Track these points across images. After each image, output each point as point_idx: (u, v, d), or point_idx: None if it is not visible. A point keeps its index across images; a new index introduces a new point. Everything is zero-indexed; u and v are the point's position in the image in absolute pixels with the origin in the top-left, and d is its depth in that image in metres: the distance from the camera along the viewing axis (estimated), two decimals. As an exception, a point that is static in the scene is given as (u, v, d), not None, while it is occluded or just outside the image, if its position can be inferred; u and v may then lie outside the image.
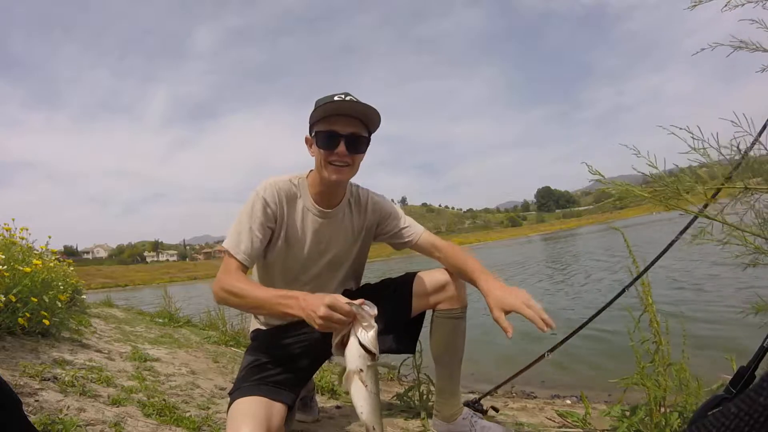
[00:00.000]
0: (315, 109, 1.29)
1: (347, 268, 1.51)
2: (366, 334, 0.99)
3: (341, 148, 1.26)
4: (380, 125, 1.34)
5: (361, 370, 0.99)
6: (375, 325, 1.00)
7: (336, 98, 1.25)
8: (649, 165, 0.99)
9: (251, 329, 1.54)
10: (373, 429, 1.03)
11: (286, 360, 1.37)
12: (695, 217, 1.06)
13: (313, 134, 1.32)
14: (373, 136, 1.35)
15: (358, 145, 1.29)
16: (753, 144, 0.93)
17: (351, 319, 1.01)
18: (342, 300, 1.01)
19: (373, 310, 1.01)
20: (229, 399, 1.27)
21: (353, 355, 1.00)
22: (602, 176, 1.05)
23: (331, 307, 1.00)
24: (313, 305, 1.03)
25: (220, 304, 1.31)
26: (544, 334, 1.18)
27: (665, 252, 1.39)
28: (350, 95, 1.28)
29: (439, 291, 1.45)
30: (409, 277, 1.49)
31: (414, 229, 1.50)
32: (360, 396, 1.00)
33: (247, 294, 1.20)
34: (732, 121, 0.89)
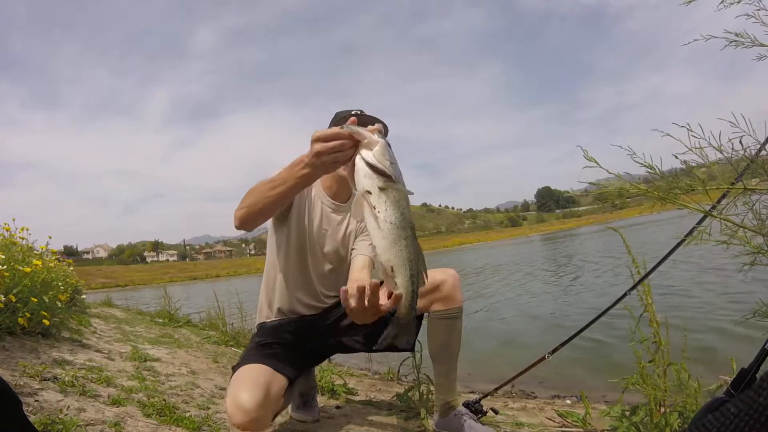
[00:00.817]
0: (335, 120, 1.51)
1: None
2: (368, 152, 0.83)
3: None
4: (388, 134, 1.54)
5: (369, 192, 0.82)
6: (380, 140, 0.84)
7: (353, 112, 1.48)
8: (646, 166, 0.99)
9: (257, 323, 1.61)
10: (391, 271, 0.83)
11: (290, 344, 1.46)
12: (704, 217, 1.06)
13: None
14: None
15: None
16: (760, 150, 0.93)
17: (351, 141, 0.87)
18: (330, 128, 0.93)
19: (374, 125, 0.87)
20: (232, 374, 1.33)
21: (359, 177, 0.83)
22: (597, 163, 1.05)
23: (320, 138, 0.91)
24: (308, 150, 0.96)
25: (244, 225, 1.24)
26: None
27: (671, 254, 1.39)
28: (363, 111, 1.50)
29: (432, 291, 1.50)
30: None
31: (364, 243, 1.48)
32: (371, 226, 0.83)
33: (259, 185, 1.18)
34: (730, 122, 0.89)
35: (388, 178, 0.81)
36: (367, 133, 0.84)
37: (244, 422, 1.16)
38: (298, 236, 1.49)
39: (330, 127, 1.47)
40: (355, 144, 0.86)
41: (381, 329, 1.51)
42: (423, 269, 0.86)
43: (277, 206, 1.21)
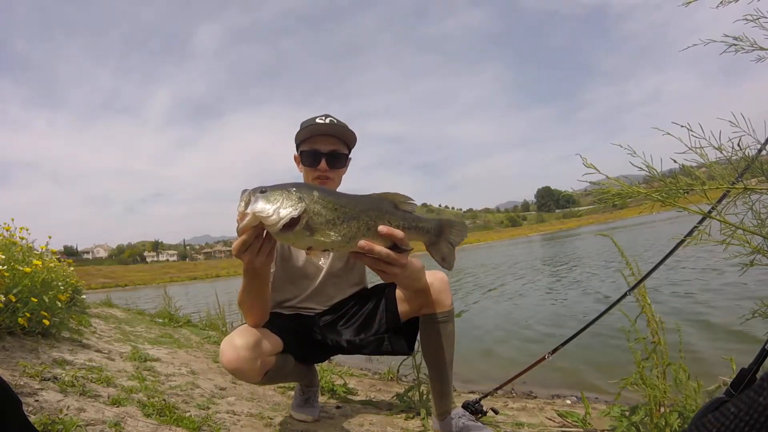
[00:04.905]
0: (300, 131, 1.47)
1: (349, 274, 1.65)
2: (268, 225, 0.83)
3: (323, 164, 1.45)
4: (357, 142, 1.52)
5: (310, 247, 0.86)
6: (257, 195, 0.84)
7: (318, 119, 1.44)
8: (646, 165, 0.99)
9: None
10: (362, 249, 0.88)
11: (289, 325, 1.52)
12: (703, 218, 1.05)
13: (299, 153, 1.50)
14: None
15: (337, 161, 1.48)
16: (760, 151, 0.93)
17: (256, 232, 0.90)
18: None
19: (244, 195, 0.85)
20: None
21: (292, 244, 0.90)
22: (596, 169, 1.05)
23: (236, 253, 0.95)
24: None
25: (263, 321, 1.39)
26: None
27: (670, 255, 1.39)
28: (330, 116, 1.46)
29: (418, 296, 1.47)
30: (395, 283, 1.54)
31: None
32: (336, 248, 0.89)
33: (241, 298, 1.30)
34: (730, 122, 0.89)
35: (295, 219, 0.82)
36: (243, 203, 0.84)
37: (231, 359, 1.26)
38: (289, 258, 1.59)
39: (297, 134, 1.50)
40: (259, 228, 0.89)
41: (379, 334, 1.53)
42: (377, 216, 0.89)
43: (263, 292, 1.29)
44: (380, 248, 0.89)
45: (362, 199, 0.91)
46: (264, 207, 0.82)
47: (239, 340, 1.28)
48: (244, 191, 0.85)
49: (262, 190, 0.84)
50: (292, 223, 0.82)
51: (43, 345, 2.20)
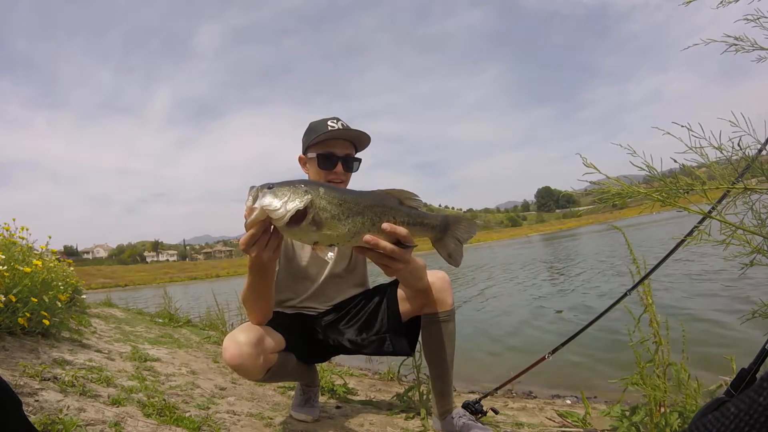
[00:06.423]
0: (316, 135, 1.47)
1: (351, 275, 1.67)
2: (274, 219, 0.85)
3: (339, 167, 1.48)
4: (369, 145, 1.56)
5: (316, 242, 0.88)
6: (264, 191, 0.86)
7: (330, 123, 1.47)
8: (647, 165, 0.99)
9: None
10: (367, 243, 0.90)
11: (291, 324, 1.54)
12: (704, 218, 1.05)
13: (311, 155, 1.50)
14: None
15: (351, 164, 1.53)
16: (760, 151, 0.93)
17: (263, 227, 0.92)
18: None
19: (252, 191, 0.87)
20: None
21: (298, 239, 0.92)
22: (597, 169, 1.05)
23: (244, 248, 0.96)
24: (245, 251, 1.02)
25: (267, 319, 1.41)
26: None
27: (671, 254, 1.38)
28: (341, 120, 1.49)
29: (420, 295, 1.48)
30: (396, 281, 1.55)
31: None
32: (341, 244, 0.91)
33: (245, 296, 1.32)
34: (730, 122, 0.89)
35: (302, 210, 0.84)
36: (250, 198, 0.86)
37: (234, 355, 1.26)
38: (292, 258, 1.60)
39: (312, 137, 1.49)
40: (266, 223, 0.90)
41: (380, 334, 1.53)
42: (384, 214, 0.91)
43: (268, 290, 1.31)
44: (385, 243, 0.91)
45: (368, 195, 0.93)
46: (272, 202, 0.84)
47: (242, 337, 1.29)
48: (252, 187, 0.87)
49: (270, 186, 0.86)
50: (299, 217, 0.85)
51: (43, 345, 2.20)
